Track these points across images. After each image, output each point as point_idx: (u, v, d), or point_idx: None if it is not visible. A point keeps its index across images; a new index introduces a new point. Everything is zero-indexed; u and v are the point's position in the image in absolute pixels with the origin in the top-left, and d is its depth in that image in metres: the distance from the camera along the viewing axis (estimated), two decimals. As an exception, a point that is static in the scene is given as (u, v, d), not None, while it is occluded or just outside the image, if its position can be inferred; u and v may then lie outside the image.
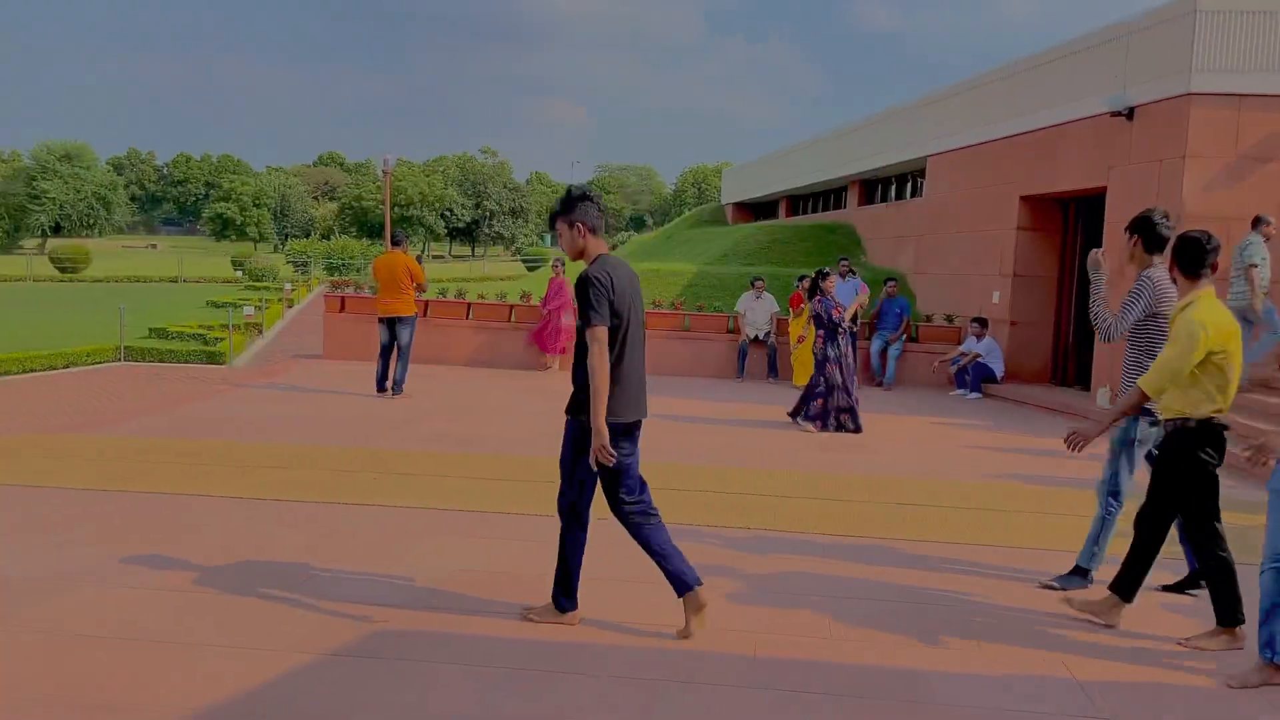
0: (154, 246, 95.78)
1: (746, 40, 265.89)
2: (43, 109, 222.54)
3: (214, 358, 14.94)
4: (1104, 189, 12.62)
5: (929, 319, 15.49)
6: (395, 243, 11.89)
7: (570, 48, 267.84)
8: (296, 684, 3.70)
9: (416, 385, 11.72)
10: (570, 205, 4.16)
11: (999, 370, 13.85)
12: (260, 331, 19.39)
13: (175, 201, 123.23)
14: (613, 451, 3.99)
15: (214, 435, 8.48)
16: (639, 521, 4.20)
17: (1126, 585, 4.60)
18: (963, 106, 16.56)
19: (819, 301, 10.25)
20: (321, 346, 15.39)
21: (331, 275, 38.34)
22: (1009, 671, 4.07)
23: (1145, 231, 4.92)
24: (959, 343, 14.61)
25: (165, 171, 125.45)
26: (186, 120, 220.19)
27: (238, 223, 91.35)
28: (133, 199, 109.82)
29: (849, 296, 14.00)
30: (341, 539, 5.52)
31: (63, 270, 45.31)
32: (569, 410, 4.19)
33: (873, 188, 22.22)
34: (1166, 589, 5.14)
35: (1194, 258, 4.44)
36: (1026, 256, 14.56)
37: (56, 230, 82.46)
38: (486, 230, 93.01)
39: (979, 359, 13.78)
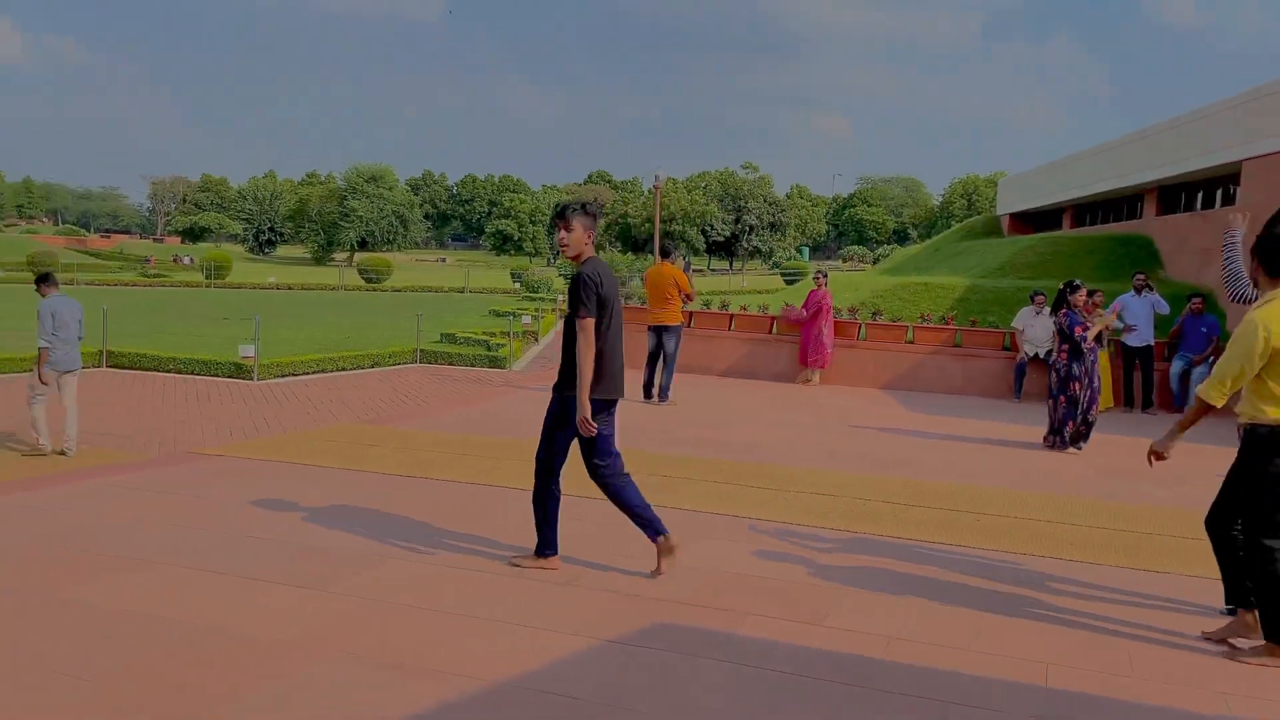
0: (443, 260, 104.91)
1: (1027, 42, 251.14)
2: (356, 136, 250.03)
3: (496, 362, 16.11)
4: None
5: (1241, 340, 13.85)
6: (665, 255, 12.22)
7: (837, 60, 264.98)
8: (574, 664, 3.90)
9: (680, 393, 12.01)
10: (590, 213, 4.93)
11: (1329, 400, 12.14)
12: (536, 338, 20.68)
13: (462, 219, 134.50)
14: (594, 424, 4.70)
15: (503, 432, 9.12)
16: (611, 481, 4.90)
17: None
18: (1288, 102, 14.71)
19: (1064, 315, 9.68)
20: (592, 354, 16.11)
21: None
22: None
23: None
24: (1278, 367, 12.96)
25: (454, 191, 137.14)
26: (474, 143, 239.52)
27: (516, 238, 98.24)
28: (426, 216, 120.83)
29: (1145, 313, 12.87)
30: (622, 536, 5.73)
31: (368, 280, 50.60)
32: (555, 388, 4.93)
33: (1174, 195, 20.22)
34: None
35: (1278, 256, 4.12)
36: (1368, 271, 12.66)
37: (363, 245, 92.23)
38: (745, 244, 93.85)
39: (1304, 386, 12.15)
